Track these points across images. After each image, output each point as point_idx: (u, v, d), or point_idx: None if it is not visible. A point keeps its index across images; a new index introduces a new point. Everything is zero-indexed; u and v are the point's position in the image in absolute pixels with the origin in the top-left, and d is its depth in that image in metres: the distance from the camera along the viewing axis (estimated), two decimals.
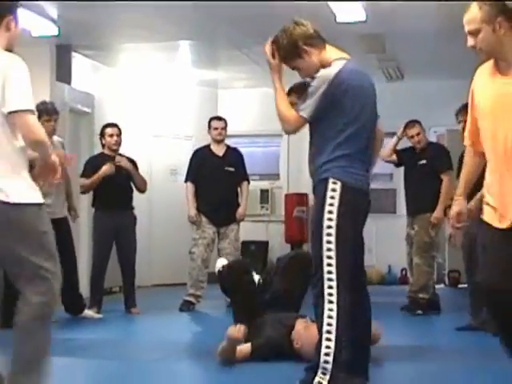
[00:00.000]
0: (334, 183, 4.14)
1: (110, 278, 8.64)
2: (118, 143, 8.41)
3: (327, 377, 4.06)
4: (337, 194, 4.13)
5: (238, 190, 8.89)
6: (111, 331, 7.25)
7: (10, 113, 3.68)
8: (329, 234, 4.11)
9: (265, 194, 12.26)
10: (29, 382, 3.68)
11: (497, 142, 3.66)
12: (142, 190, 8.59)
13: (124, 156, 8.48)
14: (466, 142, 3.93)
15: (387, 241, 11.23)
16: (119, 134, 8.45)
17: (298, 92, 6.22)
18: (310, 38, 4.29)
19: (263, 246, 11.81)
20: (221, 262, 6.52)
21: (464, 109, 6.34)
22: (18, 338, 3.72)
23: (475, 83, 3.81)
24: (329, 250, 4.10)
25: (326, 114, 4.19)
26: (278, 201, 12.16)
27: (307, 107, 4.22)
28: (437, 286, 11.40)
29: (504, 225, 3.61)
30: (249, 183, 8.99)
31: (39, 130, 3.80)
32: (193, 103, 12.12)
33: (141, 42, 9.47)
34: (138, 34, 9.03)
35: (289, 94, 6.37)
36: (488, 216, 3.71)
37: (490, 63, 3.77)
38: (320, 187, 4.20)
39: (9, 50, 3.83)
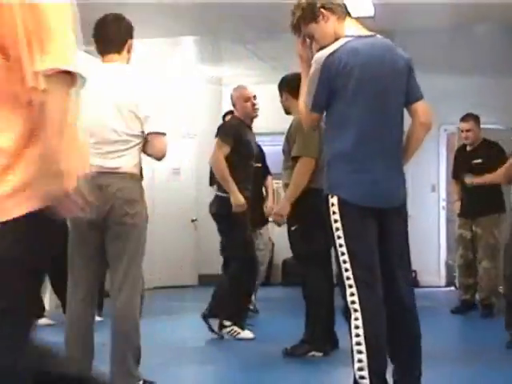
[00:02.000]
0: (332, 197, 3.88)
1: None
2: None
3: None
4: (336, 209, 3.87)
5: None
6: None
7: (150, 133, 4.39)
8: (341, 245, 3.86)
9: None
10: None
11: None
12: None
13: None
14: None
15: None
16: None
17: (288, 85, 6.11)
18: (330, 3, 4.03)
19: None
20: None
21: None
22: None
23: None
24: (344, 262, 3.86)
25: (331, 103, 3.91)
26: None
27: (308, 96, 3.95)
28: (447, 289, 11.31)
29: None
30: (272, 177, 8.54)
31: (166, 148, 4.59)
32: (196, 100, 11.92)
33: (143, 37, 9.29)
34: (140, 30, 8.80)
35: (280, 87, 6.24)
36: None
37: None
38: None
39: None
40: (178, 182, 11.68)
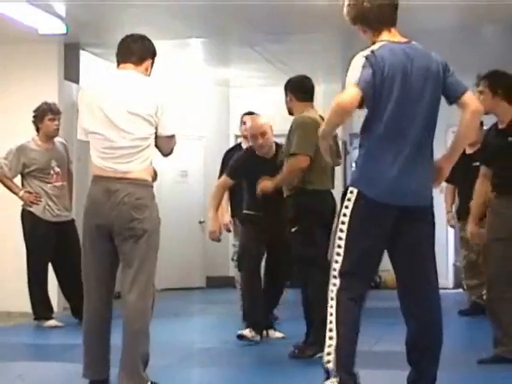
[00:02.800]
0: (351, 192, 3.95)
1: (119, 281, 8.45)
2: None
3: (335, 380, 3.92)
4: (350, 204, 3.94)
5: None
6: (120, 336, 7.08)
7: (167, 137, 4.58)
8: (340, 238, 3.96)
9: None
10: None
11: None
12: None
13: None
14: None
15: None
16: None
17: (293, 87, 6.15)
18: (365, 19, 4.07)
19: None
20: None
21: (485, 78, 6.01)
22: None
23: None
24: (338, 254, 3.98)
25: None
26: None
27: (352, 78, 3.89)
28: (454, 291, 11.29)
29: None
30: None
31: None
32: (204, 102, 11.92)
33: (150, 39, 9.29)
34: (148, 31, 8.73)
35: (286, 88, 6.27)
36: None
37: None
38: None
39: None
40: (186, 185, 11.68)
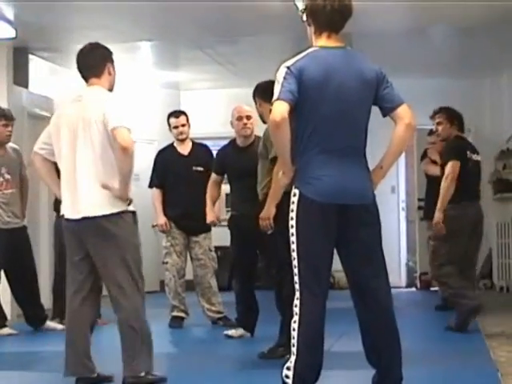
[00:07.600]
0: (294, 195, 3.96)
1: None
2: None
3: None
4: (295, 207, 3.95)
5: None
6: None
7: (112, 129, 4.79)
8: (293, 250, 3.98)
9: (229, 199, 12.00)
10: None
11: None
12: None
13: None
14: None
15: None
16: None
17: (261, 92, 6.13)
18: (314, 15, 4.04)
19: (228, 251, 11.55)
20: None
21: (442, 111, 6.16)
22: None
23: None
24: (295, 266, 4.00)
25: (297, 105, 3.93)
26: None
27: (276, 93, 3.89)
28: (408, 290, 11.40)
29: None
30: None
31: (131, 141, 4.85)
32: (154, 105, 11.90)
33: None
34: (97, 35, 8.75)
35: (254, 93, 6.24)
36: None
37: None
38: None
39: (110, 90, 5.07)
40: (138, 188, 11.59)
